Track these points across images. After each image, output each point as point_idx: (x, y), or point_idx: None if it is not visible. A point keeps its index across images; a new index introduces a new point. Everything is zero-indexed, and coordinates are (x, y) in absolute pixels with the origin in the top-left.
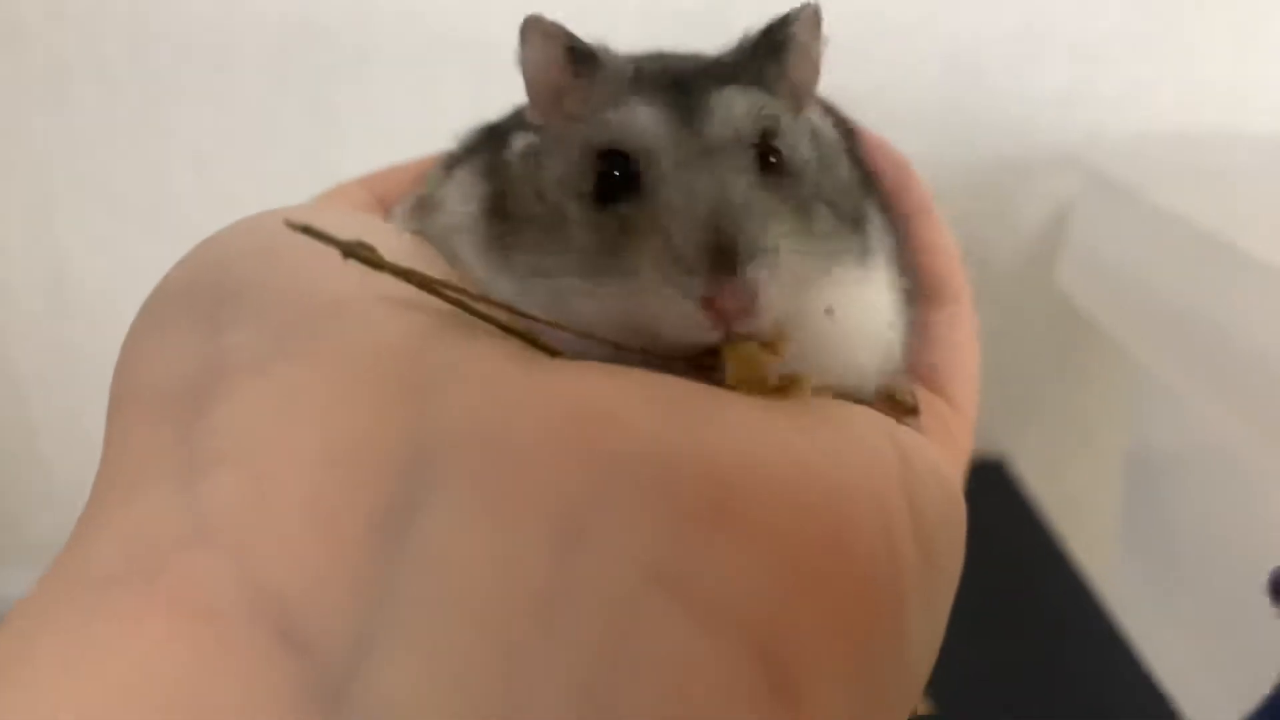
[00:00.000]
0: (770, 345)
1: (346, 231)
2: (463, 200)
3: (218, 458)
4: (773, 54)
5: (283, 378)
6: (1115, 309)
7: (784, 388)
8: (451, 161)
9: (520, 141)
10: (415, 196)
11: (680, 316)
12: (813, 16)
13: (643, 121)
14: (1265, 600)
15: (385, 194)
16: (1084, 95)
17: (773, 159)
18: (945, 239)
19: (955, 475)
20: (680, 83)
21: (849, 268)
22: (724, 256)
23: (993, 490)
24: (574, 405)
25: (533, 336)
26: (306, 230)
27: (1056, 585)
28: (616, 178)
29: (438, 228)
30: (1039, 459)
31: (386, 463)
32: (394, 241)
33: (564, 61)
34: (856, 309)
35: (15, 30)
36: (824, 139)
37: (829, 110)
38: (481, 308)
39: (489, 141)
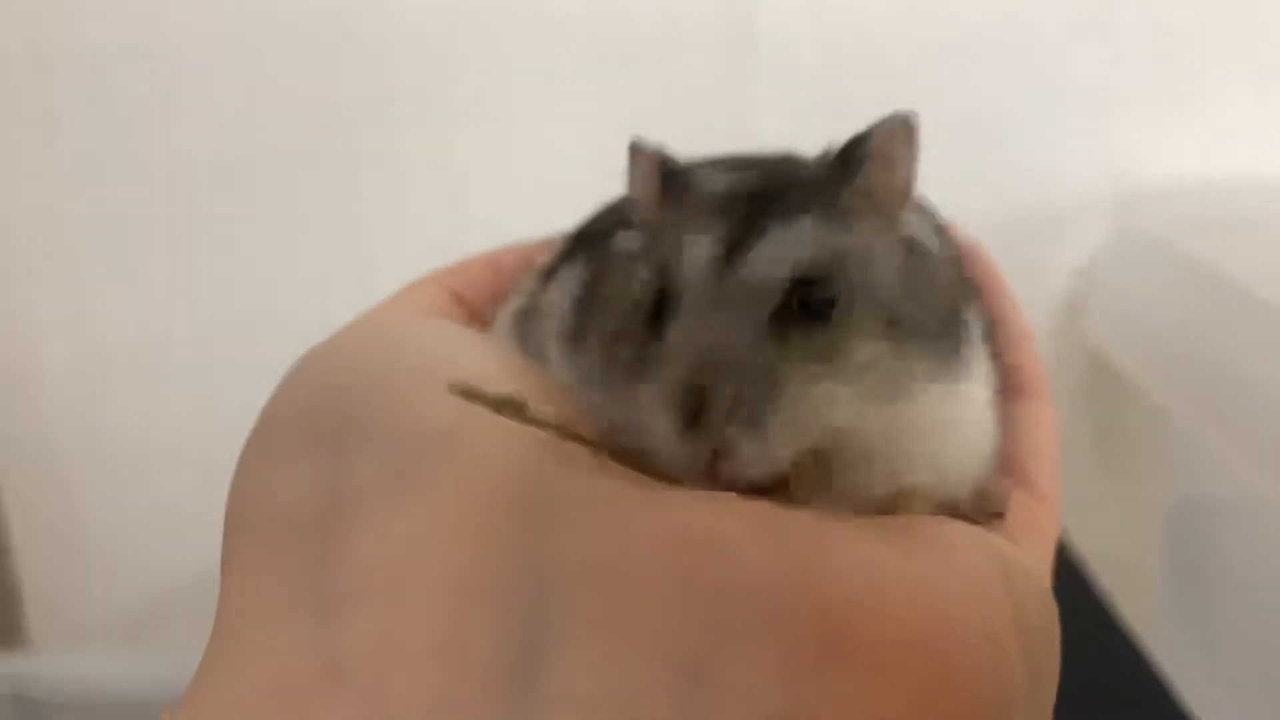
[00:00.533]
0: (812, 466)
1: (451, 354)
2: (559, 295)
3: (350, 596)
4: (852, 174)
5: (407, 513)
6: (1147, 361)
7: (891, 506)
8: (548, 271)
9: (622, 242)
10: (515, 310)
11: (669, 455)
12: (902, 129)
13: (686, 258)
14: None
15: (461, 289)
16: (1108, 146)
17: (813, 295)
18: (1023, 326)
19: (1046, 573)
20: (751, 214)
21: (938, 379)
22: (692, 412)
23: None
24: (685, 538)
25: (644, 463)
26: (466, 393)
27: (1102, 641)
28: (661, 305)
29: (536, 339)
30: (1077, 515)
31: (511, 600)
32: (498, 363)
33: (658, 182)
34: (955, 417)
35: (47, 116)
36: (916, 250)
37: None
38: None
39: (581, 246)
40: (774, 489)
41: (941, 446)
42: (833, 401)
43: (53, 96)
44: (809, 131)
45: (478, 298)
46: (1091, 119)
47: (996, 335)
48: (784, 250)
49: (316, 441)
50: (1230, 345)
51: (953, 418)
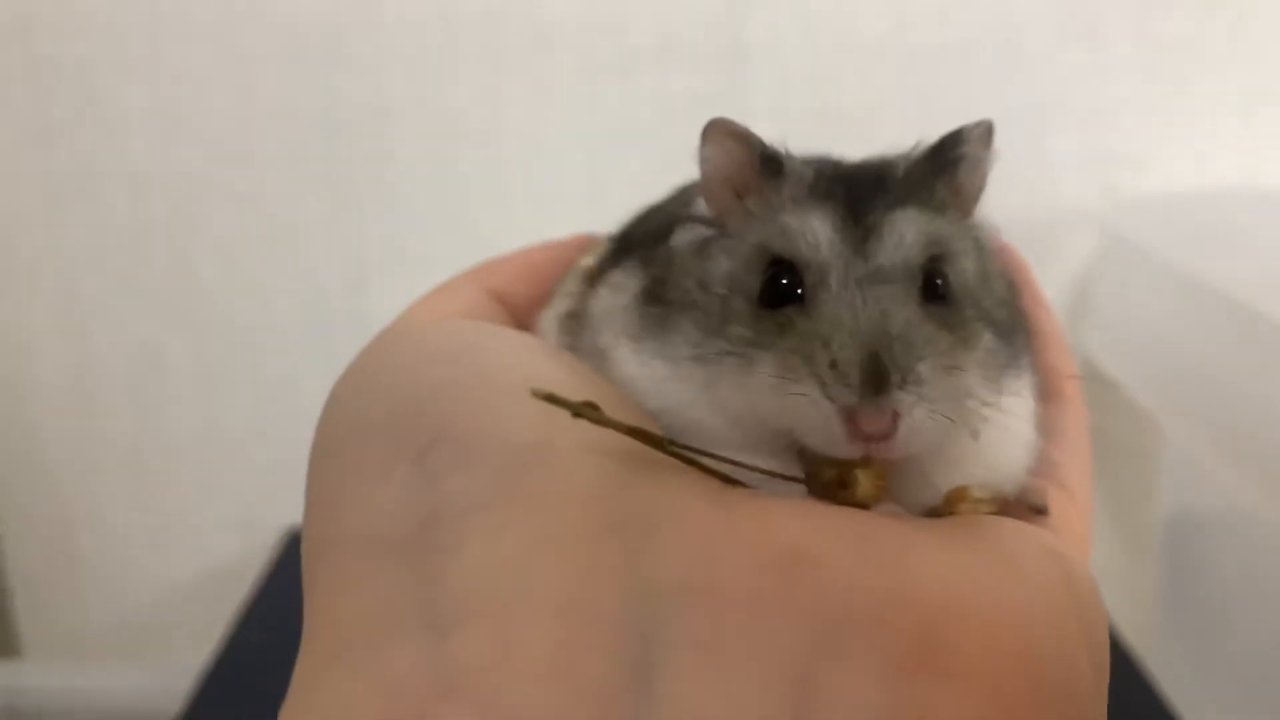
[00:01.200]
0: (878, 468)
1: (523, 362)
2: (614, 295)
3: (463, 613)
4: (945, 171)
5: (509, 529)
6: (1139, 372)
7: (951, 506)
8: (595, 275)
9: (689, 234)
10: (561, 314)
11: (821, 423)
12: (985, 133)
13: (816, 236)
14: None
15: (497, 288)
16: (1100, 158)
17: (939, 283)
18: (1056, 327)
19: (1088, 568)
20: (855, 198)
21: (1006, 380)
22: (875, 377)
23: None
24: (777, 550)
25: (719, 471)
26: (549, 398)
27: None
28: (784, 285)
29: (588, 343)
30: None
31: (616, 613)
32: (567, 371)
33: (750, 163)
34: (1013, 420)
35: (46, 130)
36: (985, 249)
37: None
38: (676, 450)
39: (629, 247)
40: (840, 488)
41: (1002, 446)
42: (978, 385)
43: (49, 107)
44: (802, 143)
45: (517, 298)
46: (1082, 130)
47: (1035, 339)
48: (914, 233)
49: (404, 454)
50: (1222, 357)
51: (1022, 413)
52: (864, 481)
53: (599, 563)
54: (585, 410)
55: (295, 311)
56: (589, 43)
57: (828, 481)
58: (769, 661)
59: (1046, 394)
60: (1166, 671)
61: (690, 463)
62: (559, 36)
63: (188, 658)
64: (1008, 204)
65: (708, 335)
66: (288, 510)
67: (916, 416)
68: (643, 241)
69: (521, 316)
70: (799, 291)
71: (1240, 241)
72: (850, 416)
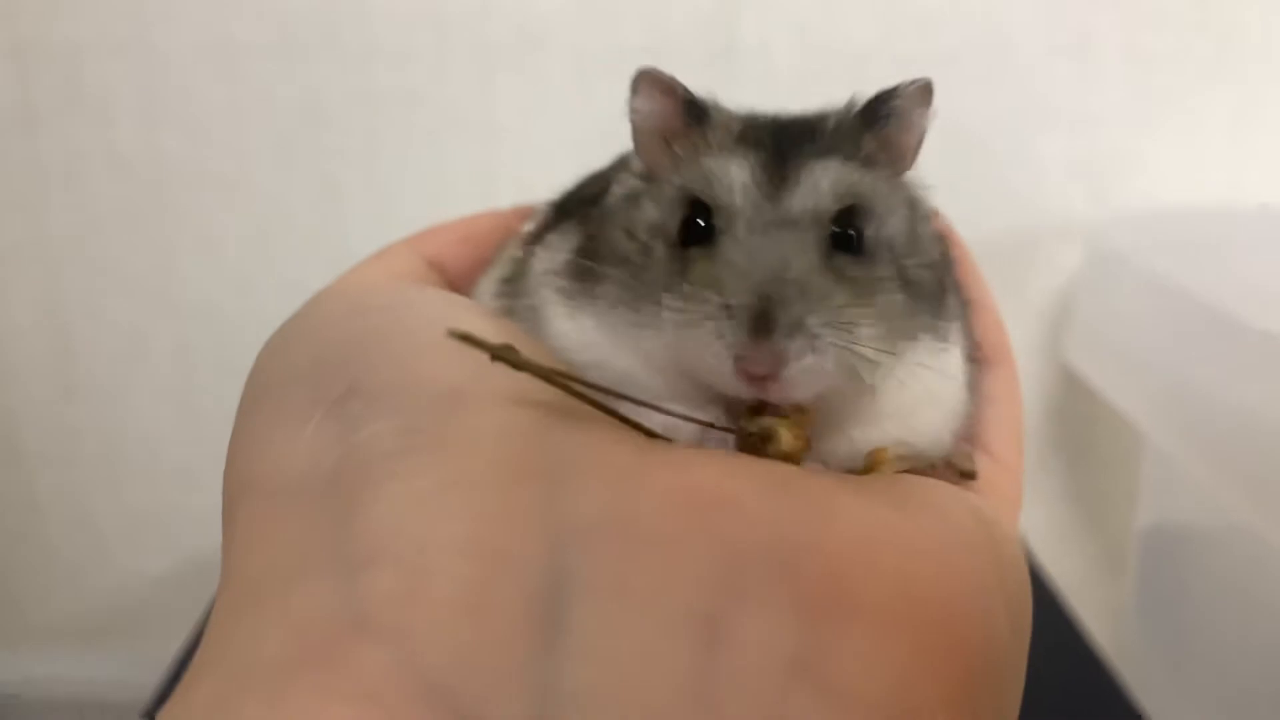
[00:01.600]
0: (799, 421)
1: (446, 316)
2: (549, 255)
3: (373, 553)
4: (875, 125)
5: (422, 472)
6: (1122, 382)
7: (871, 465)
8: (532, 239)
9: (622, 186)
10: (499, 277)
11: (715, 362)
12: (920, 92)
13: (732, 179)
14: None
15: (434, 254)
16: (1086, 169)
17: (851, 235)
18: (990, 300)
19: (1016, 536)
20: (781, 147)
21: (927, 340)
22: (761, 320)
23: None
24: (697, 497)
25: (637, 423)
26: (465, 338)
27: (1072, 662)
28: (698, 225)
29: (523, 305)
30: (1049, 534)
31: (528, 554)
32: (492, 326)
33: (676, 112)
34: (936, 381)
35: (30, 116)
36: (919, 208)
37: None
38: (596, 396)
39: (567, 212)
40: (764, 442)
41: (923, 408)
42: (871, 340)
43: (32, 91)
44: None
45: (453, 264)
46: (1069, 141)
47: (968, 308)
48: (829, 182)
49: (322, 403)
50: (1205, 368)
51: (947, 374)
52: (784, 435)
53: (512, 505)
54: (503, 351)
55: (277, 303)
56: (579, 40)
57: (751, 434)
58: (678, 601)
59: (977, 362)
60: (1142, 680)
61: (610, 412)
62: (549, 33)
63: (159, 648)
64: (994, 214)
65: (633, 282)
66: None
67: (803, 363)
68: (580, 205)
69: (459, 283)
70: (709, 232)
71: (1224, 254)
72: (738, 357)
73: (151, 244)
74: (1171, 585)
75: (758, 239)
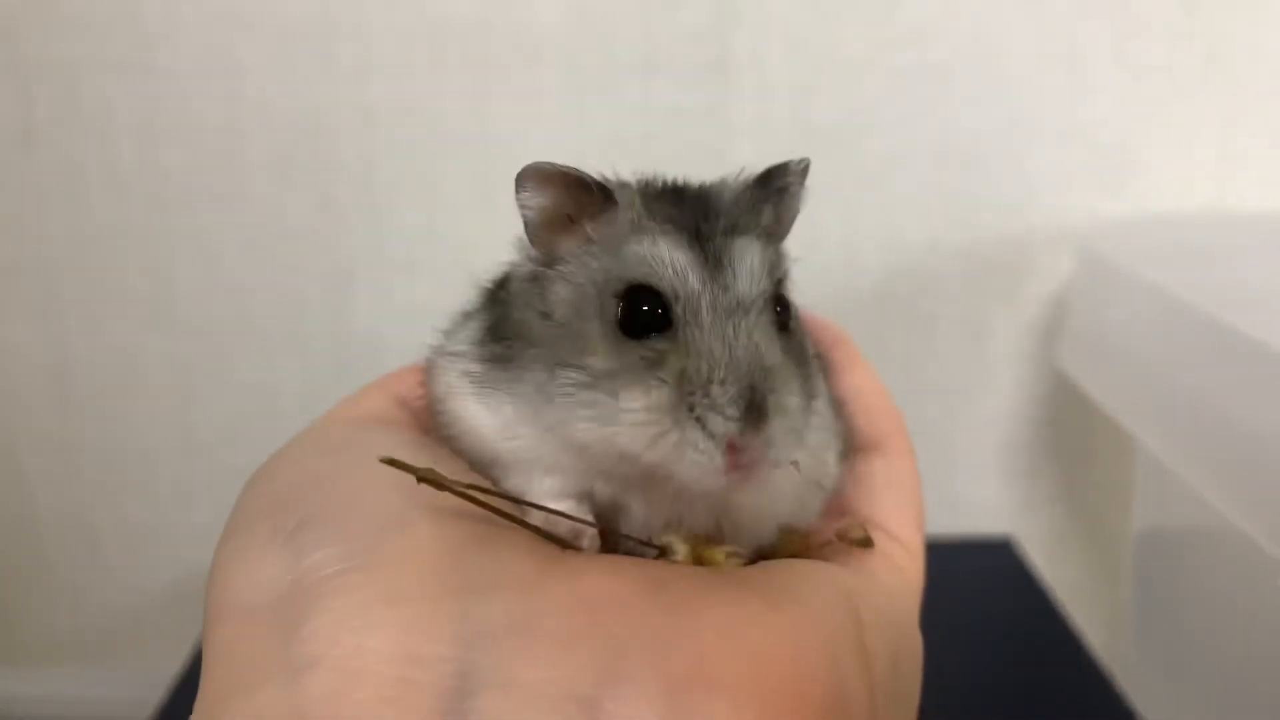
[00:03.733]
0: (714, 539)
1: (391, 450)
2: (451, 341)
3: (313, 659)
4: (772, 201)
5: (357, 590)
6: (1114, 389)
7: (773, 545)
8: (447, 332)
9: (522, 269)
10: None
11: (699, 457)
12: (805, 170)
13: (674, 264)
14: None
15: (402, 394)
16: (1077, 178)
17: (779, 311)
18: (877, 384)
19: (907, 606)
20: (691, 223)
21: (816, 420)
22: (755, 410)
23: (1001, 571)
24: (583, 597)
25: (551, 533)
26: (392, 463)
27: (1069, 669)
28: (647, 313)
29: (433, 398)
30: (1044, 541)
31: (442, 655)
32: (429, 455)
33: (574, 198)
34: (813, 456)
35: (28, 132)
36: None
37: None
38: (509, 511)
39: (476, 304)
40: (661, 548)
41: (810, 480)
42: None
43: (31, 107)
44: (783, 158)
45: (419, 400)
46: (1061, 149)
47: (844, 389)
48: (758, 261)
49: (278, 537)
50: (1198, 374)
51: (822, 447)
52: (680, 549)
53: (431, 616)
54: (427, 474)
55: (274, 317)
56: (576, 55)
57: (657, 547)
58: (561, 687)
59: (870, 447)
60: (1139, 687)
61: (522, 524)
62: (547, 48)
63: (160, 665)
64: (987, 222)
65: (558, 368)
66: None
67: (783, 445)
68: (480, 296)
69: (424, 417)
70: (664, 319)
71: (1215, 261)
72: (731, 448)
73: (149, 259)
74: (1167, 591)
75: (724, 326)
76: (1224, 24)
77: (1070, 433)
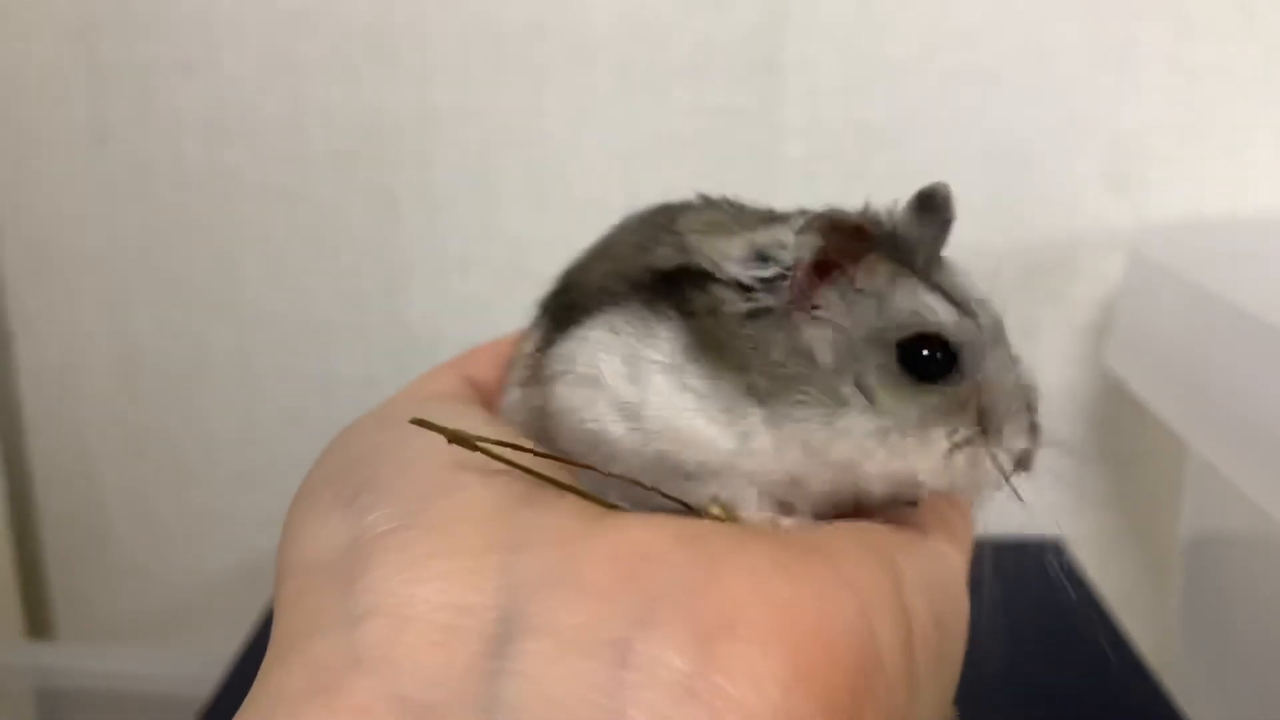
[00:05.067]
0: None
1: (451, 422)
2: (659, 359)
3: (369, 609)
4: (944, 231)
5: (410, 547)
6: (1164, 391)
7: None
8: (544, 340)
9: (737, 303)
10: (517, 386)
11: (999, 481)
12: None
13: (943, 311)
14: None
15: (472, 374)
16: (1128, 181)
17: None
18: None
19: (953, 565)
20: (925, 268)
21: None
22: (1036, 430)
23: (1050, 572)
24: (621, 550)
25: (596, 496)
26: (422, 424)
27: (1119, 671)
28: (928, 357)
29: (588, 397)
30: (1093, 542)
31: (486, 604)
32: (485, 428)
33: (844, 243)
34: None
35: (100, 126)
36: None
37: None
38: (551, 476)
39: (586, 300)
40: (698, 510)
41: None
42: None
43: (105, 107)
44: (832, 158)
45: (488, 382)
46: (1112, 152)
47: None
48: (985, 298)
49: (340, 501)
50: (1249, 378)
51: None
52: (716, 510)
53: (479, 568)
54: (456, 434)
55: (335, 311)
56: (627, 57)
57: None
58: (595, 632)
59: None
60: (1188, 691)
61: (564, 486)
62: (599, 50)
63: (219, 646)
64: (1036, 224)
65: (836, 406)
66: None
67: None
68: (613, 290)
69: (490, 398)
70: (948, 364)
71: (1267, 264)
72: (1020, 464)
73: (215, 254)
74: (1216, 594)
75: (998, 360)
76: None
77: (1119, 435)
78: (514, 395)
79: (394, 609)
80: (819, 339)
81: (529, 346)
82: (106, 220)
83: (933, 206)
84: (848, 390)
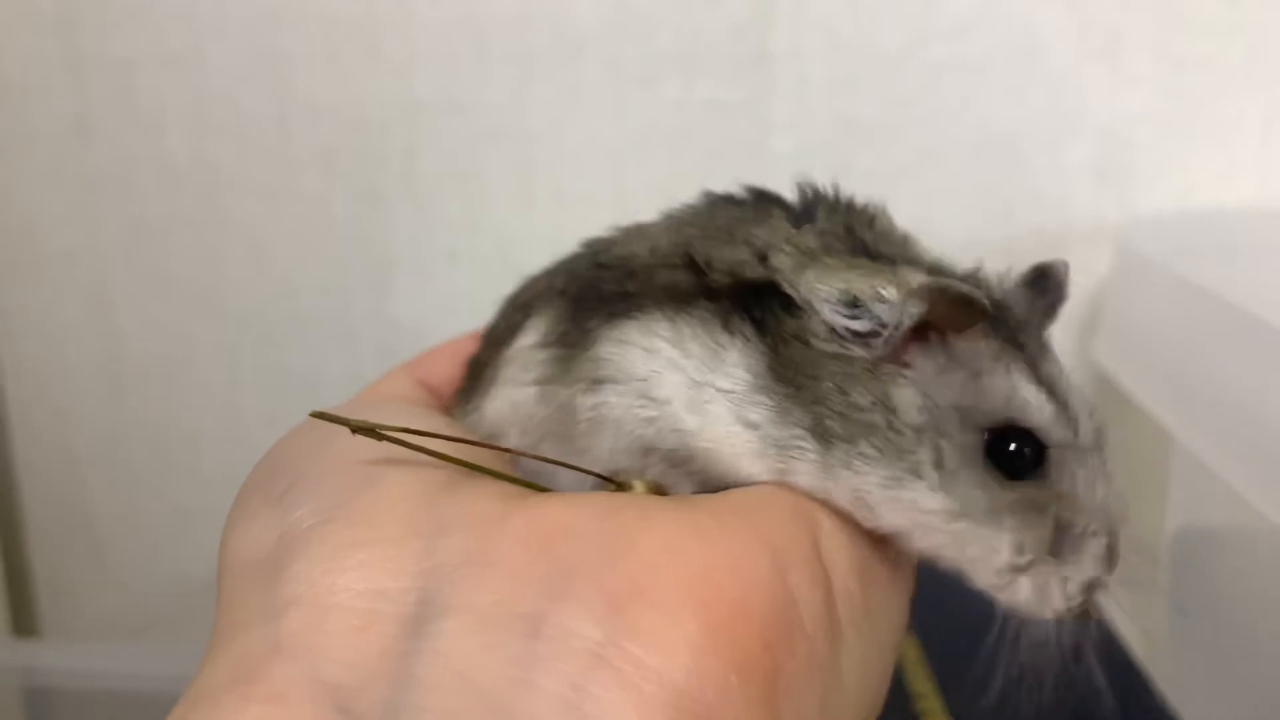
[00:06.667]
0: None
1: (384, 420)
2: (725, 386)
3: (291, 601)
4: (1053, 312)
5: (331, 538)
6: (1151, 384)
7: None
8: (569, 333)
9: (830, 344)
10: (530, 385)
11: (1059, 604)
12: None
13: (1039, 405)
14: None
15: (425, 376)
16: (1116, 173)
17: None
18: None
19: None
20: (1030, 351)
21: None
22: (1113, 559)
23: None
24: (538, 528)
25: (522, 479)
26: (323, 416)
27: (1105, 666)
28: (1016, 451)
29: (641, 413)
30: None
31: (404, 589)
32: (446, 429)
33: (948, 312)
34: None
35: (80, 119)
36: None
37: None
38: (468, 460)
39: (618, 299)
40: (620, 484)
41: None
42: None
43: (86, 99)
44: (821, 152)
45: (440, 383)
46: (1101, 145)
47: None
48: (1088, 395)
49: (269, 502)
50: (1235, 370)
51: None
52: (638, 484)
53: (399, 554)
54: (360, 425)
55: (320, 306)
56: (615, 49)
57: (617, 483)
58: (510, 607)
59: None
60: (1175, 686)
61: (485, 471)
62: (586, 42)
63: (203, 642)
64: (1024, 216)
65: (905, 474)
66: None
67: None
68: (680, 287)
69: (445, 399)
70: (1035, 462)
71: (1255, 257)
72: (1089, 588)
73: (199, 249)
74: (1201, 589)
75: (1088, 472)
76: (1267, 17)
77: (1109, 427)
78: (521, 395)
79: (315, 598)
80: (905, 399)
81: (531, 340)
82: (89, 216)
83: (1045, 284)
84: (923, 459)
